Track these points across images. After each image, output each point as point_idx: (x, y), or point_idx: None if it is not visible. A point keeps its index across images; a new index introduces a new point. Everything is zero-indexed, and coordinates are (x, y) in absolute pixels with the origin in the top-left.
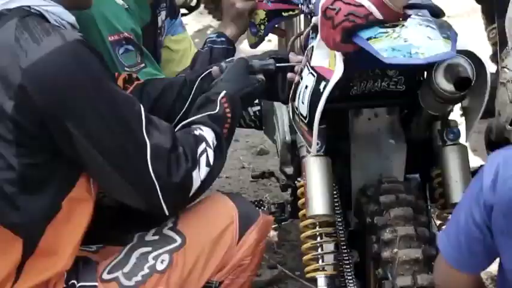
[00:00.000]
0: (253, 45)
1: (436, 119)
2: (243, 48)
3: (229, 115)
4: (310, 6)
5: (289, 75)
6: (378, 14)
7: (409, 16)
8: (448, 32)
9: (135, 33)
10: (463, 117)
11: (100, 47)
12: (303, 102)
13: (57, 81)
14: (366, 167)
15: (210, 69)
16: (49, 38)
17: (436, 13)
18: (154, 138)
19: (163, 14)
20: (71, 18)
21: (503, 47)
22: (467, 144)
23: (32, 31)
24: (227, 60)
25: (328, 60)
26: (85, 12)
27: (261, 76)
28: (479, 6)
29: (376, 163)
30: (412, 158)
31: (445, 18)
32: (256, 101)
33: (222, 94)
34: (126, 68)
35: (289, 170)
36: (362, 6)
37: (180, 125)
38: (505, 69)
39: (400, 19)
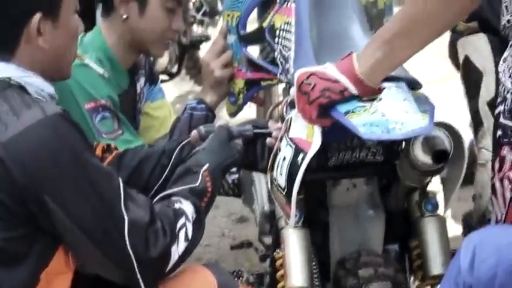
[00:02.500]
0: (232, 114)
1: (414, 190)
2: (223, 115)
3: (210, 189)
4: (289, 76)
5: (269, 140)
6: (353, 90)
7: (383, 89)
8: (426, 106)
9: (112, 100)
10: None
11: (77, 115)
12: (281, 174)
13: (36, 155)
14: (344, 237)
15: (189, 139)
16: (29, 111)
17: (413, 85)
18: (132, 212)
19: (142, 80)
20: (50, 89)
21: (479, 127)
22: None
23: (12, 104)
24: (206, 125)
25: (306, 132)
26: (60, 81)
27: (239, 142)
28: (456, 73)
29: (355, 234)
30: (390, 229)
31: (426, 84)
32: (235, 169)
33: (204, 167)
34: (103, 135)
35: (268, 240)
36: (338, 81)
37: (160, 195)
38: (483, 149)
39: (375, 93)
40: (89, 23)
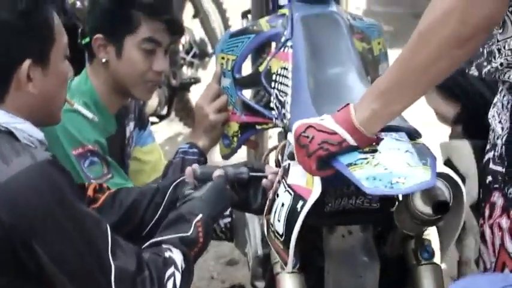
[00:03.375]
0: (226, 156)
1: (410, 237)
2: (215, 158)
3: (201, 240)
4: (285, 121)
5: (264, 181)
6: (351, 141)
7: (382, 139)
8: (427, 158)
9: (100, 144)
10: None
11: (64, 161)
12: (279, 220)
13: (25, 200)
14: (339, 284)
15: (183, 177)
16: (19, 158)
17: (413, 135)
18: (120, 260)
19: (131, 124)
20: (39, 135)
21: (462, 229)
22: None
23: (2, 151)
24: (202, 166)
25: (305, 179)
26: (47, 127)
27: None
28: None
29: (350, 280)
30: (386, 276)
31: (421, 126)
32: (227, 213)
33: (198, 218)
34: (92, 181)
35: (261, 285)
36: (335, 133)
37: (151, 242)
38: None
39: (374, 143)
40: (79, 67)
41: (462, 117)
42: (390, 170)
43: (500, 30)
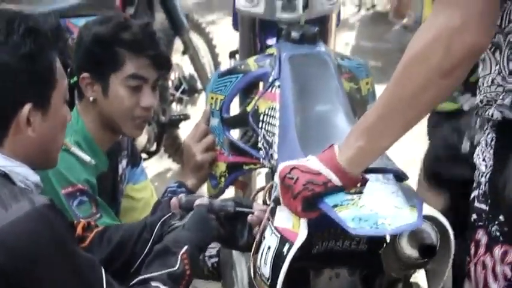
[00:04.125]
0: (213, 197)
1: (398, 281)
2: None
3: (188, 272)
4: (272, 161)
5: (250, 217)
6: (336, 181)
7: (367, 180)
8: (414, 200)
9: (90, 184)
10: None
11: (54, 200)
12: (265, 263)
13: (25, 248)
14: None
15: (170, 213)
16: (18, 204)
17: (400, 177)
18: None
19: (124, 162)
20: (35, 178)
21: None
22: None
23: (0, 195)
24: (188, 195)
25: (292, 222)
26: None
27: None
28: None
29: None
30: None
31: (405, 165)
32: (215, 253)
33: (183, 249)
34: (81, 220)
35: None
36: (320, 173)
37: (139, 279)
38: None
39: (359, 184)
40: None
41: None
42: (376, 212)
43: (481, 67)
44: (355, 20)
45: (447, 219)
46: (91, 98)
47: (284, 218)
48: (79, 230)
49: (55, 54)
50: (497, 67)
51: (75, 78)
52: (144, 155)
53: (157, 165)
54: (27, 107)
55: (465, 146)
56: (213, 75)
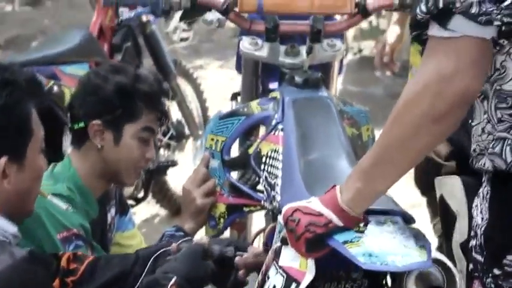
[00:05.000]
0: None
1: None
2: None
3: None
4: (274, 203)
5: (237, 259)
6: (337, 221)
7: (368, 221)
8: (423, 242)
9: (84, 228)
10: None
11: (48, 246)
12: None
13: None
14: None
15: (164, 249)
16: None
17: (407, 220)
18: None
19: (112, 210)
20: (13, 229)
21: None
22: None
23: None
24: (187, 240)
25: (299, 261)
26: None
27: (211, 266)
28: (424, 199)
29: None
30: None
31: (409, 208)
32: None
33: (172, 281)
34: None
35: None
36: (321, 215)
37: None
38: None
39: (361, 224)
40: (54, 154)
41: (455, 155)
42: (386, 249)
43: (473, 116)
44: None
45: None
46: (99, 145)
47: (290, 258)
48: (64, 262)
49: (31, 105)
50: (486, 116)
51: (81, 124)
52: (131, 202)
53: (145, 212)
54: (3, 160)
55: None
56: (213, 117)
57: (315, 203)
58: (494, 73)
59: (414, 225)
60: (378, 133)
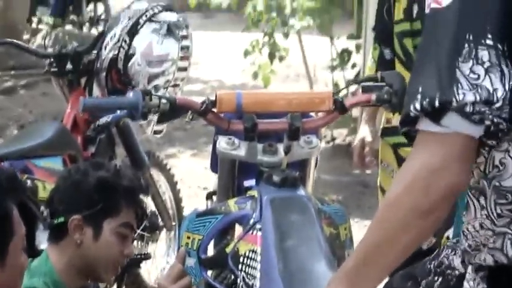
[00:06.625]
0: None
1: None
2: None
3: None
4: None
5: None
6: None
7: None
8: None
9: None
10: None
11: None
12: None
13: None
14: None
15: None
16: None
17: None
18: None
19: None
20: None
21: None
22: None
23: None
24: None
25: None
26: None
27: None
28: None
29: None
30: None
31: None
32: None
33: None
34: None
35: None
36: None
37: None
38: None
39: None
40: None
41: None
42: None
43: (464, 212)
44: None
45: None
46: (78, 241)
47: None
48: None
49: (12, 203)
50: (485, 212)
51: (61, 219)
52: None
53: None
54: None
55: None
56: (189, 215)
57: None
58: (492, 170)
59: None
60: (352, 222)
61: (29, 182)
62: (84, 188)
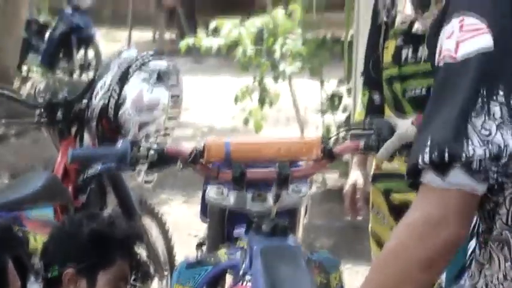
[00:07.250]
0: None
1: None
2: None
3: None
4: None
5: None
6: None
7: None
8: None
9: None
10: None
11: None
12: None
13: None
14: None
15: None
16: None
17: None
18: None
19: None
20: None
21: None
22: None
23: None
24: None
25: None
26: None
27: None
28: None
29: None
30: None
31: None
32: None
33: None
34: None
35: None
36: None
37: None
38: None
39: None
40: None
41: None
42: None
43: (487, 265)
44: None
45: None
46: None
47: None
48: None
49: (7, 258)
50: (509, 263)
51: (55, 273)
52: None
53: None
54: None
55: None
56: (180, 266)
57: None
58: None
59: None
60: (344, 268)
61: (20, 234)
62: (78, 241)
